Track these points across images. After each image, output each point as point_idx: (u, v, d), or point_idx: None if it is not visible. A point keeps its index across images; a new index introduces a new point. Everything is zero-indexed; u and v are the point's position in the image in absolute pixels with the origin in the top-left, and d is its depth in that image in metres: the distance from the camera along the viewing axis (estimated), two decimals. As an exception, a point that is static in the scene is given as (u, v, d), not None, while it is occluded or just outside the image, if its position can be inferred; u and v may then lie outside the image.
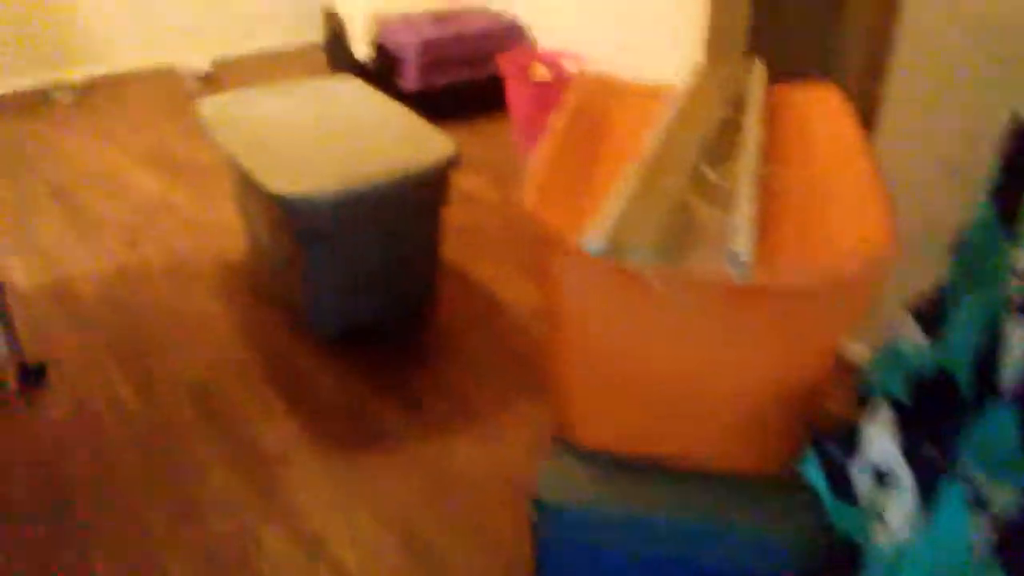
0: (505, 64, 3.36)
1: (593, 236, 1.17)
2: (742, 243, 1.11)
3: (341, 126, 2.39)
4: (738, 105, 1.59)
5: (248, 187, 2.33)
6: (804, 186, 1.31)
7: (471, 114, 3.75)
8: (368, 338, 2.35)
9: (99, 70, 4.11)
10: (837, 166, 1.37)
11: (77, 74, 3.99)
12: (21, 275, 2.60)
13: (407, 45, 3.56)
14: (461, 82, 3.67)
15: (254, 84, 4.08)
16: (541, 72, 3.38)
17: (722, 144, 1.43)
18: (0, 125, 3.61)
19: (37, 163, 3.29)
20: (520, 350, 2.29)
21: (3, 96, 3.89)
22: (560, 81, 3.30)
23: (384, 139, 2.30)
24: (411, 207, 2.26)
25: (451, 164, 2.20)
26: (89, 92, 3.93)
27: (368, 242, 2.21)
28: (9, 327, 2.12)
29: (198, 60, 4.28)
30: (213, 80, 4.14)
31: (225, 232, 2.84)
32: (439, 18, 3.77)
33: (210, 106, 2.50)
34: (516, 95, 3.33)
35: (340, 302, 2.28)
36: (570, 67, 3.40)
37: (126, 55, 4.17)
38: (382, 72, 3.74)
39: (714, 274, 1.12)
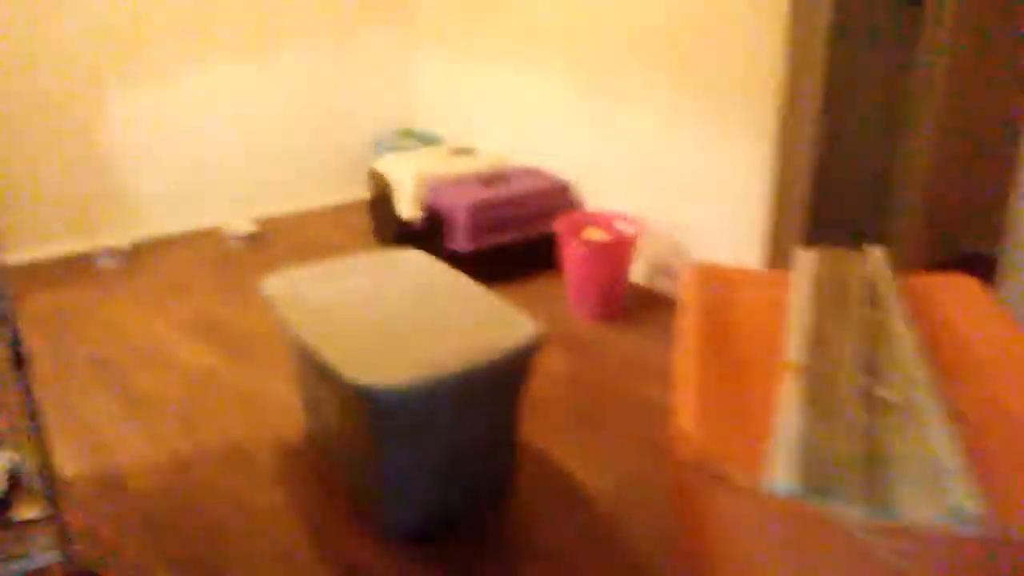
0: (560, 226, 3.32)
1: (781, 475, 1.03)
2: (964, 491, 0.97)
3: (414, 305, 2.30)
4: (874, 301, 1.49)
5: (314, 370, 2.21)
6: (988, 406, 1.19)
7: (522, 275, 3.69)
8: (441, 531, 2.17)
9: (142, 233, 4.09)
10: (1015, 381, 1.25)
11: (120, 238, 3.97)
12: (66, 461, 2.45)
13: (457, 207, 3.54)
14: (511, 243, 3.63)
15: (299, 244, 4.10)
16: (596, 234, 3.33)
17: (877, 352, 1.31)
18: (43, 292, 3.54)
19: (81, 333, 3.20)
20: (604, 546, 2.11)
21: (46, 261, 3.85)
22: (616, 244, 3.24)
23: (462, 319, 2.20)
24: (494, 392, 2.13)
25: (536, 346, 2.09)
26: (133, 256, 3.89)
27: (447, 430, 2.08)
28: (62, 532, 1.94)
29: (242, 220, 4.28)
30: (257, 240, 4.11)
31: (281, 409, 2.70)
32: (488, 179, 3.77)
33: (274, 285, 2.42)
34: (571, 257, 3.27)
35: (415, 495, 2.12)
36: (625, 229, 3.36)
37: (170, 217, 4.17)
38: (430, 233, 3.71)
39: (933, 526, 0.98)
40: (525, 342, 2.06)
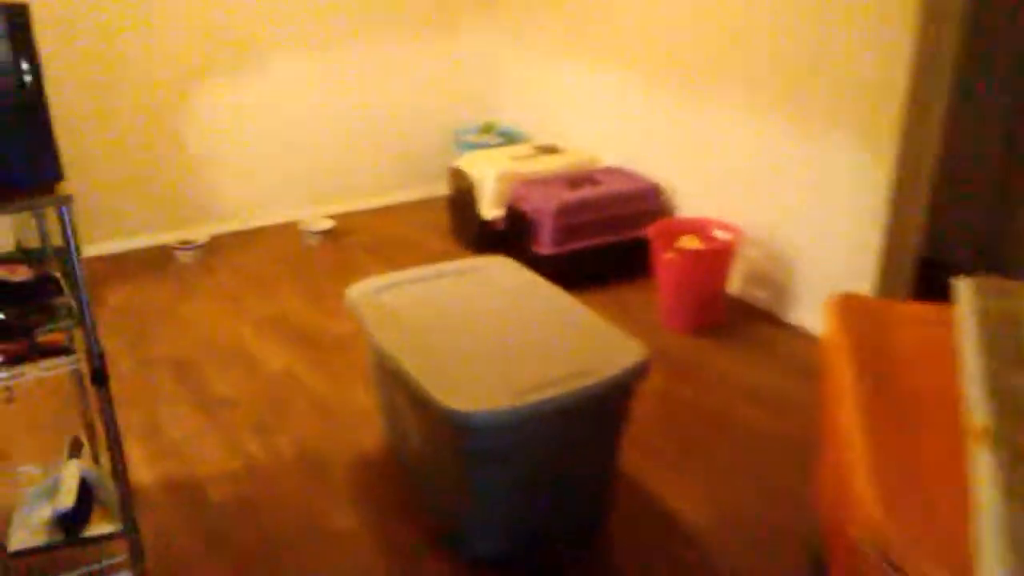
0: (653, 232, 3.13)
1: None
2: None
3: (506, 320, 2.14)
4: (1058, 346, 1.27)
5: (400, 387, 2.08)
6: None
7: (609, 281, 3.51)
8: (527, 559, 2.02)
9: (221, 227, 4.04)
10: None
11: (199, 232, 3.92)
12: (142, 465, 2.37)
13: (542, 208, 3.38)
14: (598, 247, 3.45)
15: (376, 241, 3.99)
16: (692, 242, 3.13)
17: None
18: (122, 286, 3.51)
19: (158, 331, 3.14)
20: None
21: (126, 253, 3.82)
22: (714, 253, 3.04)
23: (560, 339, 2.03)
24: (594, 420, 1.96)
25: (641, 373, 1.91)
26: (211, 250, 3.84)
27: (541, 458, 1.92)
28: (134, 549, 1.85)
29: (319, 215, 4.20)
30: (335, 236, 4.02)
31: (360, 419, 2.58)
32: (574, 180, 3.59)
33: (358, 293, 2.30)
34: (665, 266, 3.08)
35: (503, 521, 1.97)
36: (722, 237, 3.15)
37: (248, 212, 4.11)
38: (513, 235, 3.55)
39: None
40: (630, 368, 1.89)
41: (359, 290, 2.33)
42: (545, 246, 3.38)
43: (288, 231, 4.09)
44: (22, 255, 1.95)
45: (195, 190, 3.94)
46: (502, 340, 2.04)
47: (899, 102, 2.57)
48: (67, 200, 1.51)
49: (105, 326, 3.16)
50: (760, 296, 3.26)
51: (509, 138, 4.40)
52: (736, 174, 3.24)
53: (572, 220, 3.38)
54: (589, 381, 1.85)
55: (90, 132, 3.63)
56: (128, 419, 2.58)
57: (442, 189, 4.52)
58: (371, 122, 4.30)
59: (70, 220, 1.53)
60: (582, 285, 3.43)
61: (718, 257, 3.04)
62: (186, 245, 3.76)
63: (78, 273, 1.56)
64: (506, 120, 4.60)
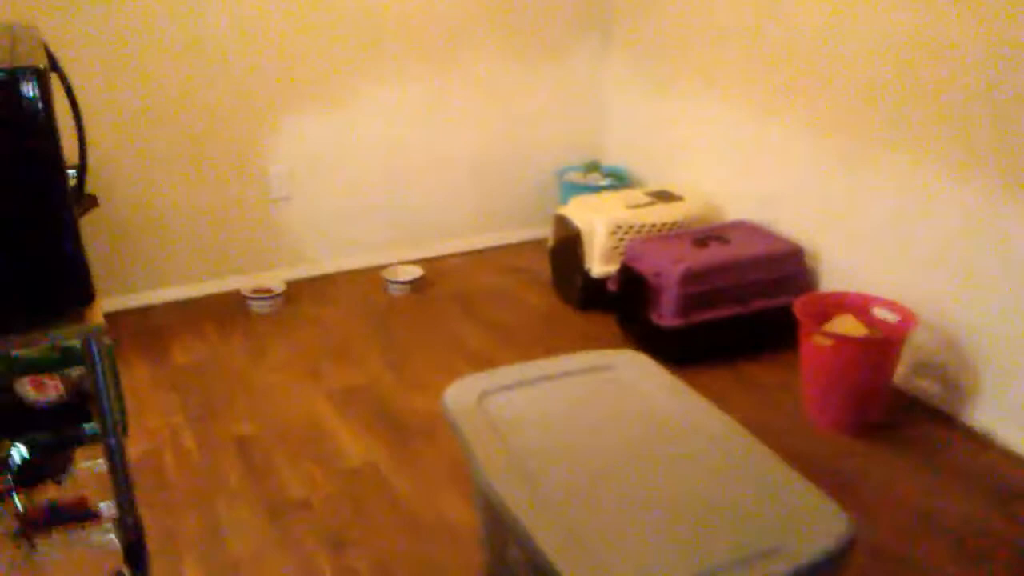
0: (800, 310, 2.62)
1: None
2: None
3: (654, 454, 1.68)
4: None
5: (520, 547, 1.64)
6: None
7: (737, 357, 3.01)
8: None
9: (298, 271, 3.68)
10: None
11: (274, 277, 3.57)
12: (196, 589, 1.99)
13: (665, 272, 2.90)
14: (726, 318, 2.96)
15: (469, 295, 3.55)
16: (848, 324, 2.61)
17: None
18: (190, 340, 3.17)
19: (226, 401, 2.78)
20: None
21: (196, 300, 3.49)
22: (879, 343, 2.51)
23: (727, 490, 1.56)
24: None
25: (846, 554, 1.43)
26: (287, 300, 3.47)
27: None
28: None
29: (405, 260, 3.81)
30: (422, 286, 3.62)
31: (453, 540, 2.15)
32: (701, 237, 3.11)
33: (459, 401, 1.87)
34: (814, 352, 2.57)
35: None
36: (887, 319, 2.62)
37: (327, 255, 3.75)
38: (626, 298, 3.09)
39: None
40: (834, 548, 1.40)
41: (458, 396, 1.90)
42: (667, 317, 2.90)
43: (371, 279, 3.70)
44: (59, 356, 1.58)
45: (272, 231, 3.59)
46: (653, 488, 1.58)
47: None
48: (98, 332, 1.11)
49: (169, 391, 2.82)
50: (929, 389, 2.71)
51: (617, 179, 3.94)
52: (899, 235, 2.71)
53: (700, 288, 2.89)
54: (774, 564, 1.37)
55: (160, 167, 3.32)
56: (185, 523, 2.21)
57: (539, 232, 4.08)
58: (463, 159, 3.89)
59: (102, 355, 1.14)
60: (706, 362, 2.96)
61: (885, 347, 2.51)
62: (261, 294, 3.41)
63: (109, 421, 1.16)
64: (613, 158, 4.14)
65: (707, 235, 3.13)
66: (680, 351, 2.94)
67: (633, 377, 1.98)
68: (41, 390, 1.44)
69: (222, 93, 3.32)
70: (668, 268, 2.90)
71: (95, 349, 1.13)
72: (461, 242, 4.01)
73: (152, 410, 2.72)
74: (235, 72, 3.32)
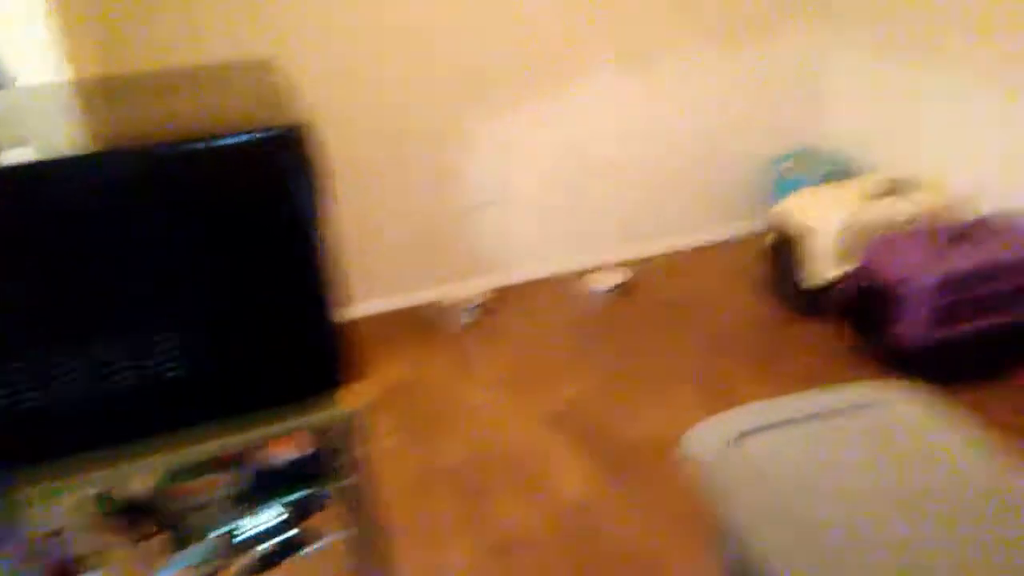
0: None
1: None
2: None
3: (958, 534, 1.39)
4: None
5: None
6: None
7: (1000, 374, 2.61)
8: None
9: (499, 279, 3.59)
10: None
11: (476, 286, 3.50)
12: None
13: (913, 279, 2.54)
14: (987, 330, 2.56)
15: (679, 302, 3.29)
16: None
17: None
18: (397, 357, 3.14)
19: (437, 424, 2.72)
20: None
21: (400, 312, 3.47)
22: None
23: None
24: None
25: None
26: (490, 310, 3.39)
27: None
28: None
29: (610, 263, 3.63)
30: (628, 292, 3.42)
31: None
32: (954, 234, 2.71)
33: (705, 445, 1.65)
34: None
35: None
36: None
37: (528, 261, 3.63)
38: (862, 308, 2.75)
39: None
40: None
41: (704, 440, 1.67)
42: (915, 331, 2.55)
43: (576, 285, 3.54)
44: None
45: (473, 237, 3.51)
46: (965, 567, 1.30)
47: None
48: (351, 417, 1.00)
49: (378, 414, 2.79)
50: None
51: (836, 165, 3.55)
52: None
53: (958, 296, 2.52)
54: None
55: (358, 177, 3.30)
56: (406, 565, 2.14)
57: (750, 227, 3.77)
58: (667, 153, 3.64)
59: (351, 441, 1.03)
60: (961, 380, 2.57)
61: None
62: (464, 304, 3.34)
63: (369, 517, 1.05)
64: (833, 141, 3.74)
65: (959, 232, 2.72)
66: (932, 368, 2.57)
67: (915, 419, 1.68)
68: (281, 447, 1.37)
69: (414, 105, 3.26)
70: (916, 274, 2.54)
71: (345, 435, 1.03)
72: (668, 240, 3.77)
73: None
74: (434, 73, 3.24)
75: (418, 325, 3.35)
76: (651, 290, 3.42)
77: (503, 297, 3.49)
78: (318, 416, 1.03)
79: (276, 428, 1.03)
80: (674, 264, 3.65)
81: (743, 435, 1.61)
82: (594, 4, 3.30)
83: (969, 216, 2.93)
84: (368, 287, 3.44)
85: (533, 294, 3.51)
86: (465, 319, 3.31)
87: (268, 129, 1.01)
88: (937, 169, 3.16)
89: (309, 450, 1.38)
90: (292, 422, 1.03)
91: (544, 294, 3.50)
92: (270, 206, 1.01)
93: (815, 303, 3.02)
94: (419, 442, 2.62)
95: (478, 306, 3.33)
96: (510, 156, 3.44)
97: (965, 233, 2.71)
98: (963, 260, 2.55)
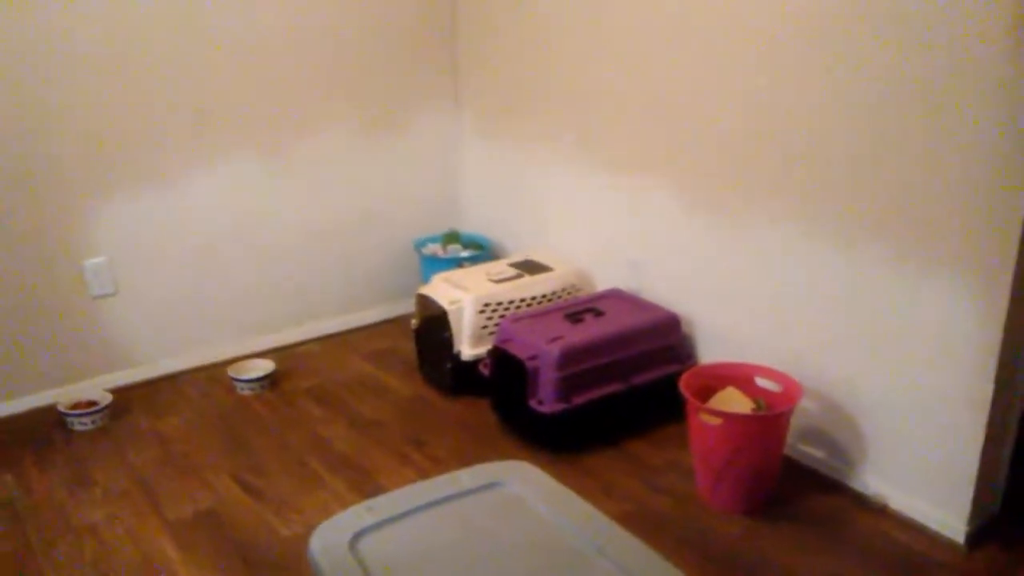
0: (685, 385, 2.49)
1: None
2: None
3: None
4: None
5: None
6: None
7: (621, 436, 2.85)
8: None
9: (127, 375, 3.25)
10: None
11: (99, 385, 3.14)
12: None
13: (540, 353, 2.72)
14: (607, 396, 2.80)
15: (329, 389, 3.23)
16: (735, 399, 2.50)
17: None
18: (0, 472, 2.67)
19: (45, 548, 2.32)
20: None
21: (3, 420, 2.98)
22: (767, 419, 2.41)
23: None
24: None
25: None
26: (116, 414, 3.05)
27: None
28: None
29: (253, 352, 3.45)
30: (277, 382, 3.27)
31: None
32: (574, 311, 2.95)
33: (326, 546, 1.58)
34: (702, 433, 2.44)
35: None
36: (771, 389, 2.54)
37: (162, 354, 3.33)
38: (500, 384, 2.88)
39: None
40: None
41: (325, 540, 1.61)
42: (547, 403, 2.70)
43: (217, 377, 3.31)
44: None
45: (92, 332, 3.15)
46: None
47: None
48: None
49: (-33, 547, 2.33)
50: (816, 456, 2.64)
51: (478, 248, 3.76)
52: (773, 302, 2.64)
53: (580, 367, 2.72)
54: None
55: (-46, 272, 2.83)
56: None
57: (401, 309, 3.83)
58: (312, 237, 3.59)
59: None
60: (591, 445, 2.78)
61: (775, 422, 2.41)
62: (82, 409, 2.95)
63: None
64: (472, 227, 3.96)
65: (580, 309, 2.98)
66: (564, 437, 2.75)
67: (524, 494, 1.75)
68: None
69: (13, 178, 2.89)
70: (543, 348, 2.72)
71: None
72: (316, 327, 3.69)
73: (-55, 573, 2.23)
74: (58, 156, 2.89)
75: (28, 436, 2.89)
76: (301, 379, 3.30)
77: (133, 397, 3.16)
78: None
79: None
80: (324, 350, 3.57)
81: (357, 536, 1.56)
82: (230, 87, 3.19)
83: (587, 292, 3.22)
84: (-40, 395, 2.93)
85: (169, 391, 3.22)
86: (88, 425, 2.93)
87: None
88: (560, 251, 3.47)
89: None
90: None
91: (182, 390, 3.22)
92: None
93: (462, 381, 3.10)
94: (16, 573, 2.22)
95: (103, 409, 2.96)
96: (135, 243, 3.15)
97: (582, 308, 2.97)
98: (582, 334, 2.78)
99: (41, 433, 2.91)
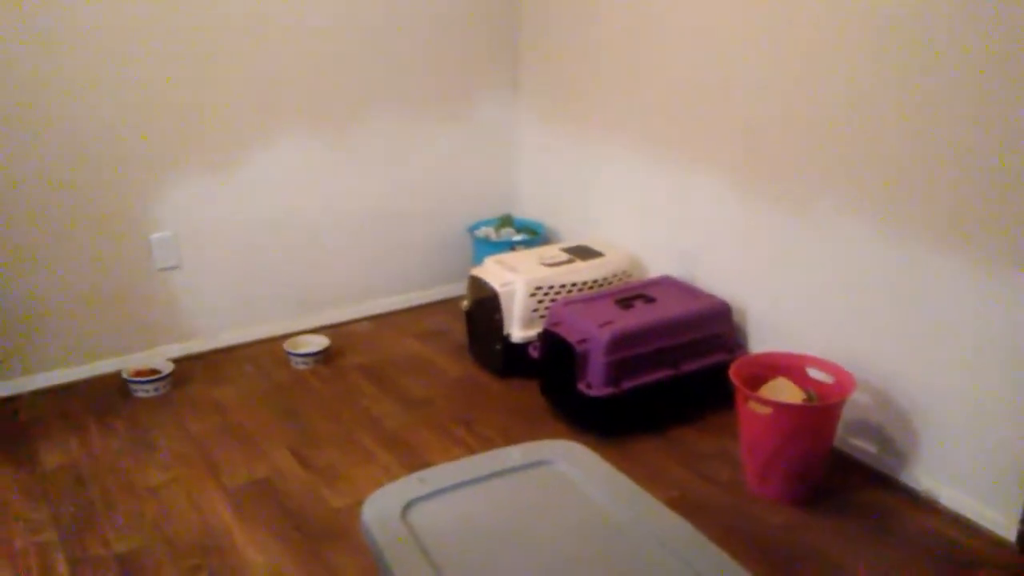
0: (736, 374, 2.48)
1: None
2: None
3: (595, 565, 1.47)
4: None
5: None
6: None
7: (670, 423, 2.86)
8: None
9: (190, 347, 3.36)
10: None
11: (161, 355, 3.24)
12: None
13: (591, 339, 2.73)
14: (656, 382, 2.80)
15: (380, 364, 3.30)
16: (785, 389, 2.49)
17: None
18: (63, 436, 2.79)
19: (106, 513, 2.43)
20: None
21: (74, 385, 3.11)
22: (818, 410, 2.40)
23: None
24: None
25: None
26: (177, 382, 3.16)
27: None
28: None
29: (309, 328, 3.53)
30: (329, 358, 3.34)
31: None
32: (625, 296, 2.96)
33: (379, 515, 1.62)
34: (751, 422, 2.44)
35: None
36: (824, 381, 2.52)
37: (222, 328, 3.43)
38: (549, 367, 2.90)
39: None
40: None
41: (378, 508, 1.65)
42: (596, 386, 2.72)
43: (273, 351, 3.40)
44: None
45: (158, 303, 3.25)
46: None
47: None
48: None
49: (38, 501, 2.45)
50: (865, 449, 2.62)
51: (531, 233, 3.78)
52: (837, 294, 2.62)
53: (630, 352, 2.73)
54: None
55: (33, 234, 2.95)
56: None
57: (452, 291, 3.88)
58: (368, 218, 3.65)
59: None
60: (639, 431, 2.79)
61: (826, 413, 2.40)
62: (145, 376, 3.06)
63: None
64: (526, 212, 3.98)
65: (631, 294, 2.98)
66: (611, 421, 2.77)
67: (572, 473, 1.78)
68: None
69: (95, 155, 2.99)
70: (595, 334, 2.73)
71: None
72: (370, 305, 3.76)
73: (16, 527, 2.35)
74: (118, 132, 3.00)
75: (95, 401, 3.01)
76: (353, 356, 3.37)
77: (193, 367, 3.26)
78: None
79: None
80: (377, 329, 3.64)
81: (408, 505, 1.60)
82: (296, 73, 3.26)
83: (639, 279, 3.23)
84: (36, 358, 3.05)
85: (227, 363, 3.31)
86: (150, 392, 3.04)
87: None
88: (613, 237, 3.47)
89: None
90: None
91: (240, 362, 3.32)
92: None
93: (512, 363, 3.14)
94: (83, 532, 2.31)
95: (165, 377, 3.06)
96: (202, 220, 3.25)
97: (635, 295, 2.97)
98: (632, 320, 2.78)
99: (105, 399, 3.03)
